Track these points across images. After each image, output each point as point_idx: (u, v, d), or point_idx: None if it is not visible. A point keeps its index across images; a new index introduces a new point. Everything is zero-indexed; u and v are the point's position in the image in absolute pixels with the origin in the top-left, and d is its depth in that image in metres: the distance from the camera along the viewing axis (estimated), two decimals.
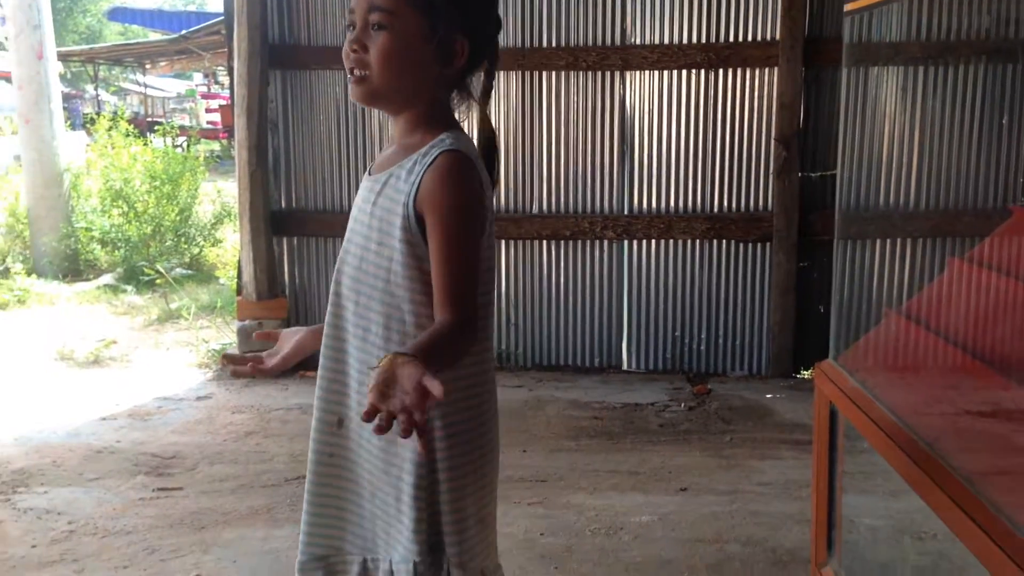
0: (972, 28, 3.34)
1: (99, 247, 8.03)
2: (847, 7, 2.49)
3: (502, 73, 4.98)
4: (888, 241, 4.55)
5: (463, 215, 1.47)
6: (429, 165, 1.47)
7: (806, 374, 4.84)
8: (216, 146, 18.10)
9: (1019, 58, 3.31)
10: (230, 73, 5.11)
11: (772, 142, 4.82)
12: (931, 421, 2.01)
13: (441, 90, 1.55)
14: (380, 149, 5.07)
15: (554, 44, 4.93)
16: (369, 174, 1.61)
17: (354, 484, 1.59)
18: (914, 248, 4.54)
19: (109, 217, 8.01)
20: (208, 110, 23.88)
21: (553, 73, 4.95)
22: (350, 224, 1.60)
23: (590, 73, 4.93)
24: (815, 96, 4.82)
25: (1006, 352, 2.08)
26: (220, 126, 19.92)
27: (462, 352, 1.45)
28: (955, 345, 2.17)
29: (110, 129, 8.69)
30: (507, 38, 4.91)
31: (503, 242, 4.99)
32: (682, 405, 4.45)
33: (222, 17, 5.97)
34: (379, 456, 1.55)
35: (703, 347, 5.01)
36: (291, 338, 1.69)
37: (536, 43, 4.94)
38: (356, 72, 1.50)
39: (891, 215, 4.56)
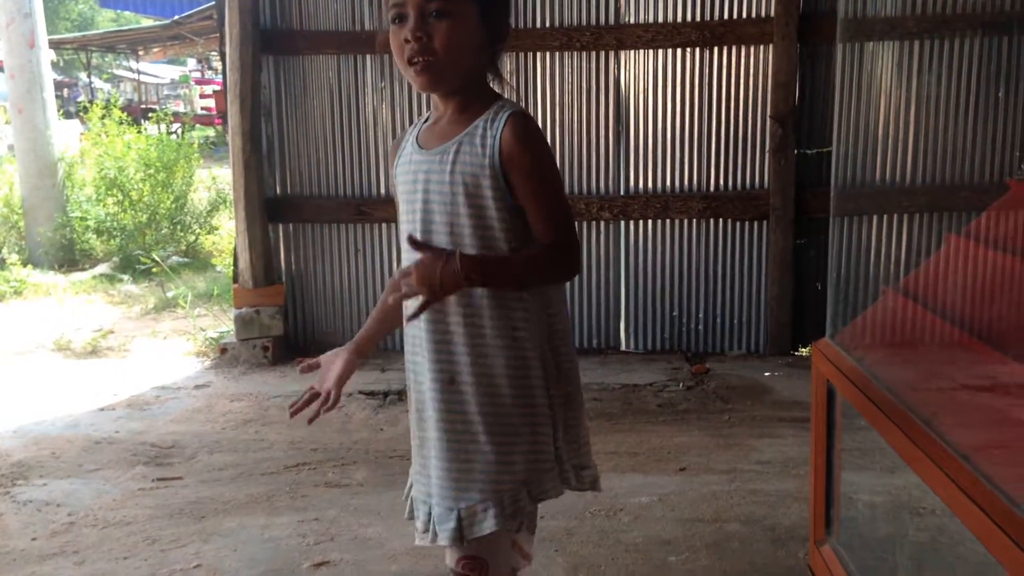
0: (967, 1, 3.32)
1: (94, 236, 8.01)
2: None
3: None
4: (885, 217, 4.54)
5: (548, 161, 1.66)
6: (503, 127, 1.60)
7: (804, 351, 4.84)
8: (211, 132, 18.02)
9: (1014, 30, 3.29)
10: (222, 59, 5.08)
11: (768, 120, 4.80)
12: (928, 398, 2.01)
13: (487, 67, 1.69)
14: (374, 133, 5.07)
15: (548, 24, 4.90)
16: (420, 146, 1.69)
17: (480, 433, 1.65)
18: (911, 224, 4.53)
19: (104, 206, 7.98)
20: (202, 96, 23.78)
21: (547, 54, 4.92)
22: (415, 197, 1.67)
23: (584, 53, 4.90)
24: (811, 73, 4.79)
25: (1003, 328, 2.07)
26: (215, 112, 19.83)
27: (560, 271, 1.66)
28: (952, 322, 2.16)
29: (103, 117, 8.65)
30: None
31: None
32: (680, 385, 4.45)
33: (214, 2, 5.92)
34: (511, 394, 1.65)
35: (701, 327, 5.00)
36: (334, 362, 1.81)
37: (530, 23, 4.90)
38: (419, 60, 1.58)
39: (888, 191, 4.55)
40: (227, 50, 4.89)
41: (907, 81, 3.50)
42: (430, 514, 1.70)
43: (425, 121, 1.75)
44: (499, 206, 1.61)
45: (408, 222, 1.69)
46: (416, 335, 1.70)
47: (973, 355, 2.05)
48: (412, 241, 1.61)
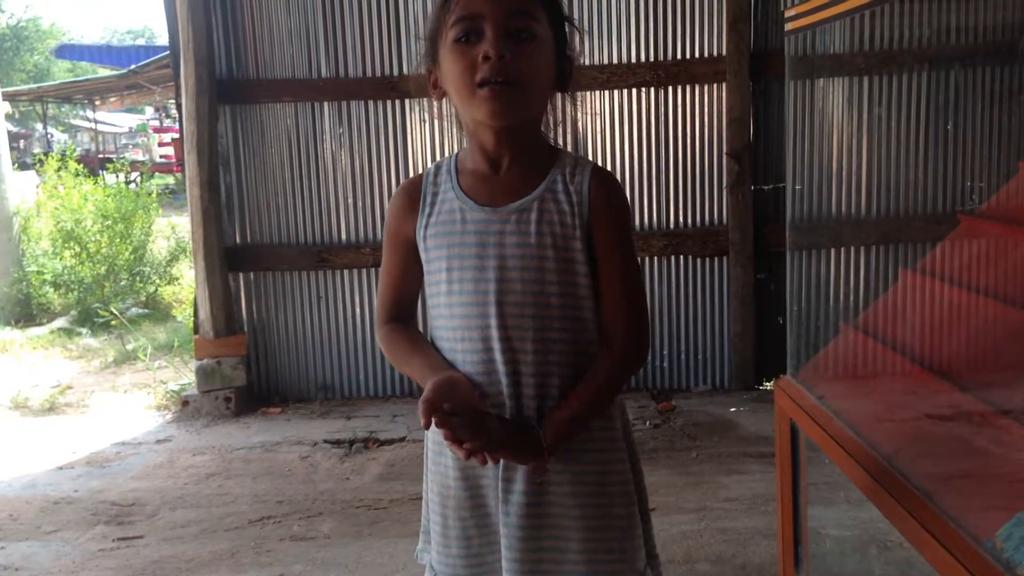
0: (913, 38, 3.39)
1: (52, 290, 7.90)
2: (787, 26, 2.52)
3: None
4: (842, 251, 4.59)
5: (631, 233, 1.48)
6: (588, 182, 1.44)
7: (768, 385, 4.86)
8: (171, 180, 17.92)
9: (960, 65, 3.37)
10: (179, 109, 5.05)
11: (724, 156, 4.86)
12: (889, 435, 2.02)
13: (544, 112, 1.53)
14: (333, 180, 5.06)
15: None
16: (478, 203, 1.46)
17: (563, 529, 1.49)
18: (867, 256, 4.58)
19: (61, 259, 7.88)
20: (161, 144, 23.68)
21: None
22: (483, 263, 1.43)
23: None
24: (764, 109, 4.87)
25: (958, 362, 2.10)
26: (174, 160, 19.73)
27: (627, 379, 1.48)
28: (909, 358, 2.19)
29: (59, 169, 8.57)
30: None
31: None
32: (647, 423, 4.44)
33: (169, 52, 5.91)
34: (597, 483, 1.49)
35: (666, 363, 5.02)
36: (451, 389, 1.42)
37: None
38: (497, 82, 1.37)
39: (842, 225, 4.61)
40: (183, 101, 4.88)
41: (857, 116, 3.57)
42: None
43: (452, 170, 1.52)
44: (586, 271, 1.43)
45: (470, 291, 1.43)
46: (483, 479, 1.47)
47: (930, 390, 2.07)
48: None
